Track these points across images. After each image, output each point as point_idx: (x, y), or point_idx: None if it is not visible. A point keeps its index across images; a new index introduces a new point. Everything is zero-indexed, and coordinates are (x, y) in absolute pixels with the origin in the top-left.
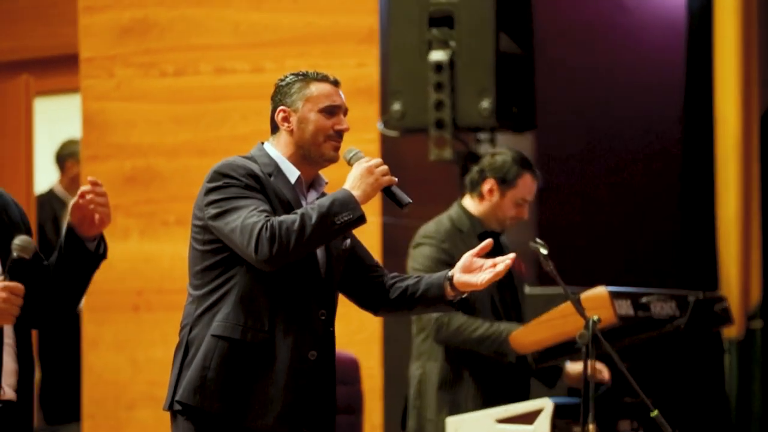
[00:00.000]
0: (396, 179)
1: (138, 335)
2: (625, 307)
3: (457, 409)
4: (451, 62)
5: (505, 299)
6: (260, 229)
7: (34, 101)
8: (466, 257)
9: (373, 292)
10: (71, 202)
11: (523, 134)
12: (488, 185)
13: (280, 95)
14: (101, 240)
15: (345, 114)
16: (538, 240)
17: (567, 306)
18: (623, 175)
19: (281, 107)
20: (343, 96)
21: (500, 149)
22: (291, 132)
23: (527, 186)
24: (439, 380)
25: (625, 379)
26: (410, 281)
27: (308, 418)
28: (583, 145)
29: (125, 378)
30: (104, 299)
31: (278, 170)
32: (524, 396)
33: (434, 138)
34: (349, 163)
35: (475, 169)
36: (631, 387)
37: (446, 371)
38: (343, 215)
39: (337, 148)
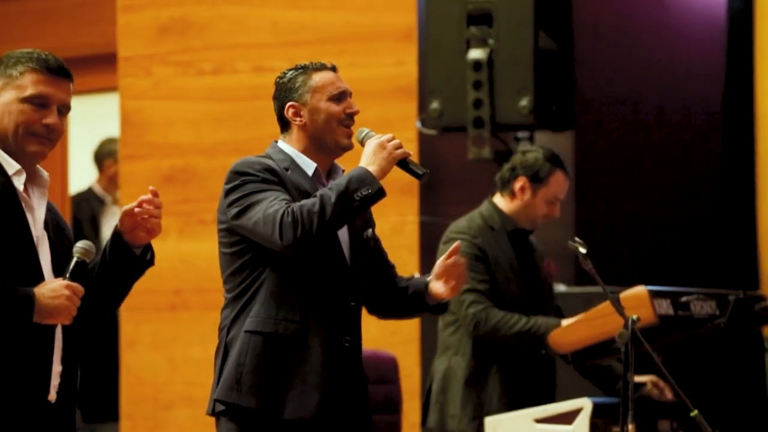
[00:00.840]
0: (410, 152)
1: (176, 335)
2: (665, 307)
3: (481, 407)
4: (490, 60)
5: (532, 297)
6: (282, 215)
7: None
8: (439, 263)
9: (383, 295)
10: (124, 208)
11: (562, 133)
12: (520, 183)
13: (284, 92)
14: (149, 247)
15: (351, 96)
16: (576, 239)
17: (606, 305)
18: (662, 174)
19: (290, 103)
20: (343, 80)
21: (531, 147)
22: (304, 125)
23: (559, 184)
24: (465, 376)
25: (665, 379)
26: (402, 284)
27: (346, 406)
28: (623, 144)
29: (163, 378)
30: (142, 299)
31: (294, 164)
32: (550, 395)
33: (473, 137)
34: (362, 143)
35: (506, 166)
36: (671, 385)
37: (473, 367)
38: (362, 190)
39: (350, 135)
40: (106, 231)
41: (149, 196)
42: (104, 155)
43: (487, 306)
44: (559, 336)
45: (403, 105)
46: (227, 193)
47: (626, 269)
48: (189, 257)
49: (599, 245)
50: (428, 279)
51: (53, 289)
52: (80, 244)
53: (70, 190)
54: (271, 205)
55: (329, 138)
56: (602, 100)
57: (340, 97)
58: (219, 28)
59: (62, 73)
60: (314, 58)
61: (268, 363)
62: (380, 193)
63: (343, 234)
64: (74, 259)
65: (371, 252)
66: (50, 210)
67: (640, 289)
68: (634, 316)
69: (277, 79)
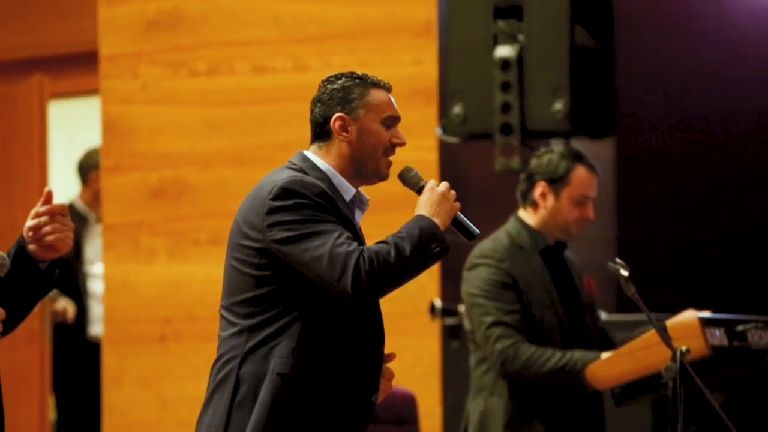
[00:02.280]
0: (459, 205)
1: (166, 369)
2: (719, 337)
3: None
4: (520, 59)
5: (573, 322)
6: (357, 260)
7: (48, 104)
8: None
9: None
10: (28, 223)
11: (601, 140)
12: (539, 189)
13: (334, 99)
14: (56, 263)
15: (398, 124)
16: (618, 260)
17: (651, 335)
18: (715, 187)
19: (339, 114)
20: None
21: (547, 148)
22: (350, 143)
23: (583, 180)
24: (505, 419)
25: (718, 418)
26: None
27: None
28: (670, 153)
29: (152, 418)
30: (127, 329)
31: (331, 185)
32: None
33: (500, 145)
34: (406, 183)
35: (523, 175)
36: (726, 427)
37: (513, 409)
38: (434, 246)
39: (390, 165)
40: (90, 252)
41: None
42: (90, 167)
43: (516, 341)
44: (598, 370)
45: (421, 109)
46: (274, 210)
47: (674, 294)
48: (181, 282)
49: (644, 267)
50: None
51: None
52: None
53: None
54: (340, 243)
55: (371, 164)
56: (647, 103)
57: (392, 123)
58: (214, 22)
59: None
60: (321, 56)
61: (305, 411)
62: (448, 251)
63: None
64: None
65: None
66: None
67: (690, 317)
68: (684, 348)
69: (326, 82)
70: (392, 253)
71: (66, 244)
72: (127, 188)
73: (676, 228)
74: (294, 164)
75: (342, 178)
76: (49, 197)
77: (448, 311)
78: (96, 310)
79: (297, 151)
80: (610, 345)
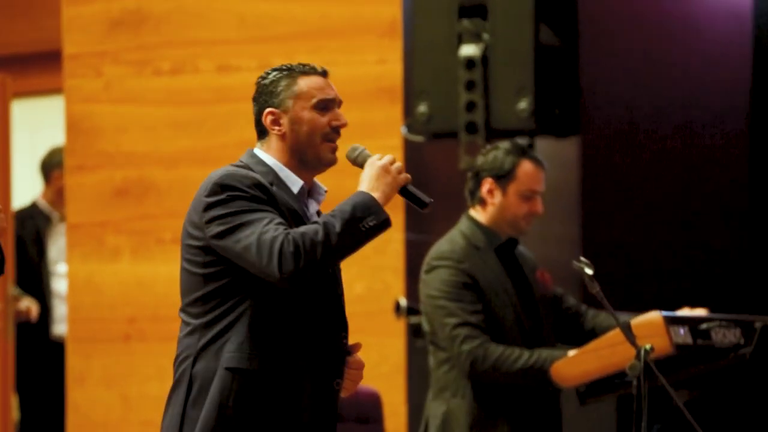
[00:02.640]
0: (410, 177)
1: (130, 369)
2: (683, 335)
3: None
4: (485, 57)
5: (530, 318)
6: (281, 244)
7: (11, 103)
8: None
9: None
10: None
11: (566, 139)
12: (486, 186)
13: (264, 95)
14: None
15: (340, 106)
16: (582, 259)
17: (616, 333)
18: (680, 186)
19: (269, 109)
20: (334, 87)
21: (493, 145)
22: (283, 136)
23: (529, 174)
24: (469, 420)
25: (682, 417)
26: None
27: None
28: (634, 152)
29: (116, 417)
30: (91, 328)
31: (278, 179)
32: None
33: (465, 144)
34: (355, 163)
35: (470, 174)
36: (690, 425)
37: (477, 410)
38: (368, 220)
39: (335, 149)
40: (53, 251)
41: None
42: (53, 165)
43: (483, 341)
44: (563, 368)
45: (386, 108)
46: (209, 206)
47: (638, 293)
48: (145, 281)
49: (608, 266)
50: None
51: None
52: None
53: (12, 205)
54: (266, 230)
55: (311, 152)
56: (612, 102)
57: (326, 106)
58: (178, 22)
59: None
60: (286, 55)
61: (256, 405)
62: (387, 224)
63: None
64: None
65: None
66: None
67: (655, 316)
68: (648, 346)
69: (259, 80)
70: (320, 232)
71: None
72: (91, 188)
73: (640, 227)
74: (241, 162)
75: (289, 171)
76: None
77: (413, 310)
78: (60, 310)
79: (247, 149)
80: (581, 332)
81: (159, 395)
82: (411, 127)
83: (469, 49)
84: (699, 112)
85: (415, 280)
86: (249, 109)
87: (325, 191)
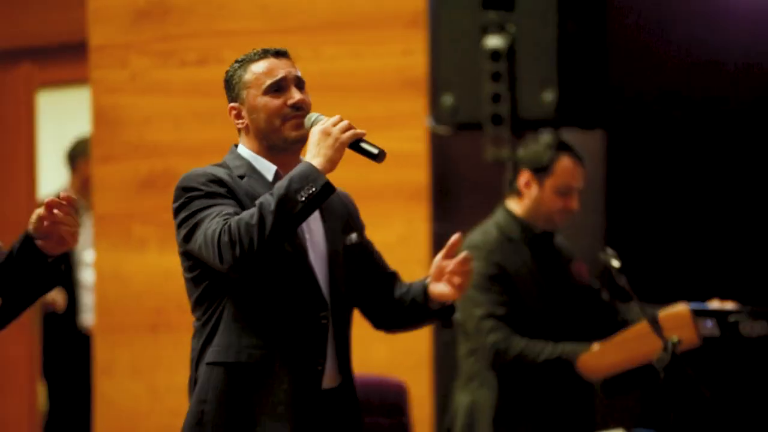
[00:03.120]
0: (363, 131)
1: (157, 359)
2: (710, 327)
3: None
4: (510, 49)
5: (562, 312)
6: (219, 235)
7: (36, 94)
8: (436, 260)
9: (383, 306)
10: (36, 212)
11: (591, 131)
12: (524, 178)
13: (227, 92)
14: (63, 257)
15: (299, 84)
16: (608, 250)
17: (642, 326)
18: (707, 177)
19: (230, 105)
20: (292, 66)
21: (535, 137)
22: (246, 128)
23: (567, 170)
24: (494, 411)
25: (709, 409)
26: (401, 291)
27: None
28: (660, 143)
29: (143, 407)
30: (119, 319)
31: (252, 170)
32: (589, 425)
33: (490, 135)
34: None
35: (510, 163)
36: (717, 417)
37: (502, 401)
38: (305, 190)
39: (299, 126)
40: (80, 242)
41: (58, 199)
42: (78, 155)
43: (508, 333)
44: (589, 360)
45: (411, 100)
46: (174, 212)
47: (665, 285)
48: (172, 272)
49: (634, 257)
50: (427, 281)
51: None
52: None
53: (38, 195)
54: (211, 224)
55: (275, 137)
56: (637, 93)
57: (279, 87)
58: (203, 13)
59: None
60: (310, 46)
61: (233, 397)
62: (327, 189)
63: (319, 243)
64: None
65: (359, 259)
66: None
67: (682, 308)
68: (675, 338)
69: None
70: (255, 215)
71: (75, 239)
72: (118, 178)
73: (666, 218)
74: (223, 159)
75: (263, 160)
76: (67, 200)
77: None
78: (86, 300)
79: (231, 145)
80: (615, 327)
81: (186, 385)
82: (436, 118)
83: (494, 41)
84: (726, 104)
85: None
86: None
87: None
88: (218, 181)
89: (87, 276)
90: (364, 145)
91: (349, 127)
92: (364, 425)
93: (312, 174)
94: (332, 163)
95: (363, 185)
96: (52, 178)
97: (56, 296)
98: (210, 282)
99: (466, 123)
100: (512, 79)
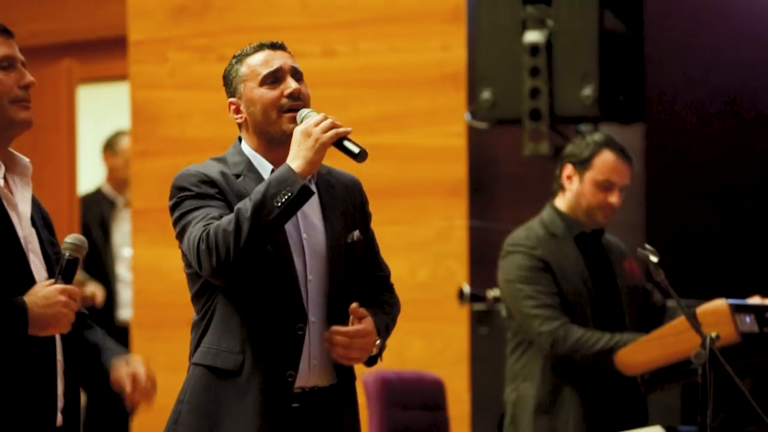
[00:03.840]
0: (349, 129)
1: None
2: (749, 323)
3: None
4: (549, 44)
5: (607, 310)
6: (199, 242)
7: (77, 89)
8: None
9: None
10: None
11: (630, 126)
12: (566, 171)
13: (226, 88)
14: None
15: (295, 74)
16: (647, 246)
17: (681, 321)
18: (746, 173)
19: (228, 100)
20: (289, 57)
21: (584, 133)
22: (245, 122)
23: (607, 164)
24: (535, 403)
25: (748, 405)
26: (380, 300)
27: None
28: (699, 137)
29: None
30: (157, 314)
31: (250, 167)
32: (641, 419)
33: (529, 130)
34: None
35: (558, 160)
36: (756, 413)
37: (543, 393)
38: (281, 195)
39: (294, 119)
40: (118, 236)
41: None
42: (104, 147)
43: (564, 322)
44: (627, 355)
45: (450, 95)
46: (170, 210)
47: (704, 280)
48: None
49: (673, 253)
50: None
51: (47, 296)
52: (69, 240)
53: (78, 191)
54: (193, 230)
55: (272, 129)
56: (676, 88)
57: (275, 78)
58: (242, 8)
59: (10, 33)
60: (350, 41)
61: (206, 400)
62: (303, 193)
63: (318, 242)
64: (65, 257)
65: (360, 256)
66: (33, 202)
67: (720, 303)
68: (713, 334)
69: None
70: (232, 221)
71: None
72: (156, 173)
73: (705, 213)
74: (225, 152)
75: (261, 158)
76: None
77: (476, 297)
78: (124, 295)
79: (236, 137)
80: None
81: None
82: (475, 113)
83: (533, 36)
84: (765, 96)
85: (479, 267)
86: (312, 95)
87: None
88: (210, 182)
89: (125, 271)
90: (346, 144)
91: (331, 126)
92: (358, 424)
93: (289, 178)
94: (312, 165)
95: (401, 180)
96: (90, 173)
97: (95, 291)
98: (203, 281)
99: (505, 118)
100: (551, 74)
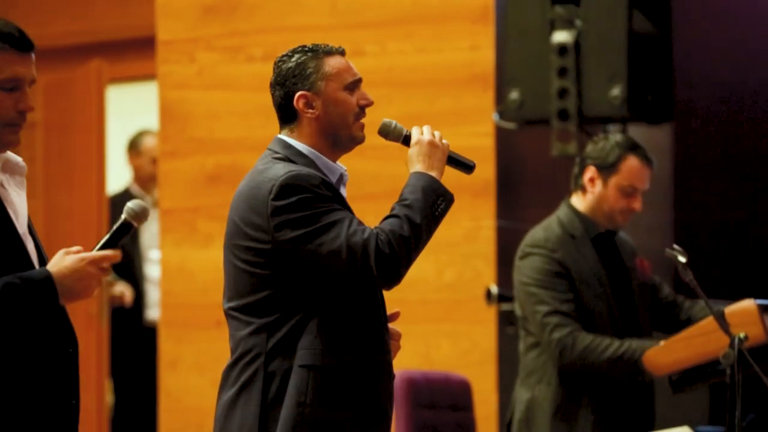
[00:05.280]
0: (448, 143)
1: (222, 354)
2: None
3: None
4: (577, 44)
5: (624, 310)
6: (377, 246)
7: (106, 89)
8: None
9: None
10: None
11: (659, 126)
12: (589, 174)
13: (293, 78)
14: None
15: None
16: (675, 246)
17: (709, 322)
18: None
19: (300, 92)
20: None
21: (605, 134)
22: (317, 118)
23: (633, 170)
24: (553, 407)
25: None
26: None
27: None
28: (727, 138)
29: (208, 403)
30: (184, 314)
31: (317, 169)
32: (648, 424)
33: (557, 130)
34: (388, 137)
35: (577, 159)
36: None
37: (561, 397)
38: (440, 204)
39: (363, 127)
40: (146, 237)
41: None
42: (128, 147)
43: (573, 329)
44: (655, 356)
45: (478, 95)
46: (279, 210)
47: (732, 281)
48: None
49: (701, 253)
50: None
51: (75, 269)
52: (132, 205)
53: (107, 191)
54: (353, 231)
55: (344, 133)
56: (704, 88)
57: (355, 86)
58: (271, 8)
59: (29, 45)
60: (377, 41)
61: (333, 400)
62: (452, 202)
63: None
64: (121, 219)
65: None
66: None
67: (749, 304)
68: (742, 334)
69: (279, 63)
70: (405, 227)
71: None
72: (184, 173)
73: (733, 214)
74: (278, 153)
75: (326, 159)
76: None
77: (504, 297)
78: (153, 295)
79: (275, 137)
80: (677, 322)
81: None
82: (503, 113)
83: (561, 36)
84: None
85: (506, 268)
86: None
87: (347, 175)
88: (327, 185)
89: (153, 271)
90: (458, 158)
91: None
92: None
93: (440, 187)
94: (442, 175)
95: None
96: (119, 172)
97: (124, 291)
98: (294, 283)
99: (533, 119)
100: (579, 75)
